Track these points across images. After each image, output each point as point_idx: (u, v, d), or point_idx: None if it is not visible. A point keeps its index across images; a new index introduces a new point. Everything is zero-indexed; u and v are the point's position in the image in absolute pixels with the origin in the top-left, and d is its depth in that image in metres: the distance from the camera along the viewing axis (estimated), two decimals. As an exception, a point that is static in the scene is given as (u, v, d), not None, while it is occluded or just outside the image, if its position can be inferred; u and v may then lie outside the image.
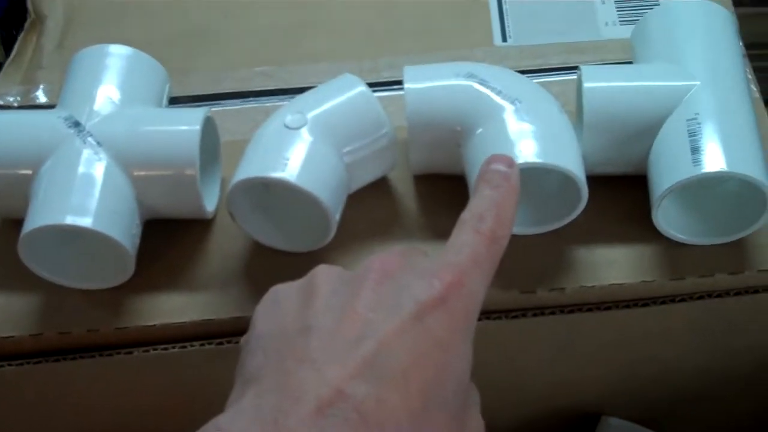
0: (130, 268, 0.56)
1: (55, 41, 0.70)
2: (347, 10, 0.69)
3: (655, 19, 0.60)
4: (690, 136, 0.52)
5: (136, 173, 0.56)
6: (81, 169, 0.55)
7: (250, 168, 0.55)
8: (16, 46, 0.70)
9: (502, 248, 0.43)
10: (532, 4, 0.68)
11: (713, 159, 0.51)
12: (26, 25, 0.72)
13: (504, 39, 0.66)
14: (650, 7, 0.65)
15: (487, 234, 0.43)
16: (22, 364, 0.56)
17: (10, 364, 0.56)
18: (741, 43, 0.63)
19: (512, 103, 0.55)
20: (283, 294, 0.44)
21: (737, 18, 0.63)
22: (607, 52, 0.64)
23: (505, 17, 0.67)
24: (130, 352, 0.56)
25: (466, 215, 0.44)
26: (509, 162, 0.47)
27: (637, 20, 0.62)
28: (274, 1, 0.71)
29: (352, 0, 0.70)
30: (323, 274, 0.44)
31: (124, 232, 0.55)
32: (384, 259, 0.43)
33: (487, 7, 0.68)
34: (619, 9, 0.67)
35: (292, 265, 0.57)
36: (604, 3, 0.67)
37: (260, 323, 0.43)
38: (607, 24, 0.66)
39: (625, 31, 0.64)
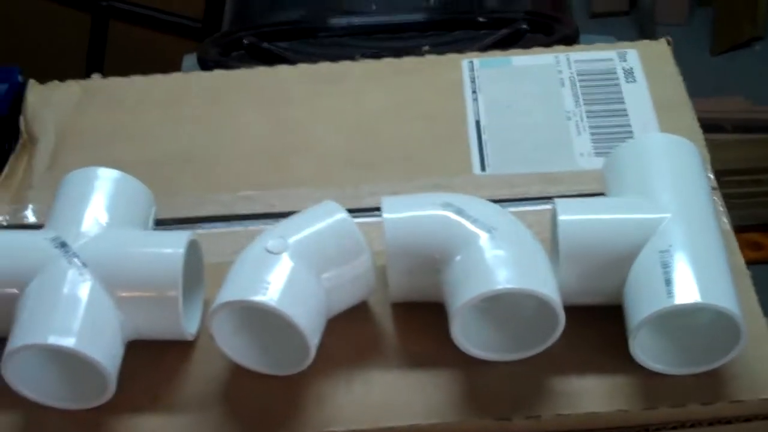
0: (111, 389, 0.56)
1: (46, 162, 0.71)
2: (330, 137, 0.72)
3: (625, 153, 0.62)
4: (663, 268, 0.54)
5: (120, 294, 0.57)
6: (66, 290, 0.57)
7: (231, 291, 0.56)
8: (7, 166, 0.71)
9: None
10: (511, 134, 0.70)
11: (686, 290, 0.53)
12: (17, 146, 0.73)
13: (483, 168, 0.68)
14: (623, 137, 0.67)
15: None
16: (-1, 484, 0.57)
17: (-13, 484, 0.57)
18: (711, 176, 0.65)
19: (488, 231, 0.57)
20: None
21: (720, 145, 0.66)
22: (582, 183, 0.66)
23: (484, 146, 0.69)
24: (108, 473, 0.56)
25: None
26: None
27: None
28: (259, 124, 0.73)
29: (335, 127, 0.72)
30: None
31: (106, 353, 0.56)
32: None
33: (467, 136, 0.70)
34: (594, 141, 0.69)
35: (272, 388, 0.58)
36: (579, 134, 0.69)
37: None
38: (582, 155, 0.68)
39: (599, 162, 0.66)
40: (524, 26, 1.09)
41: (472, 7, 1.17)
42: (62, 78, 0.78)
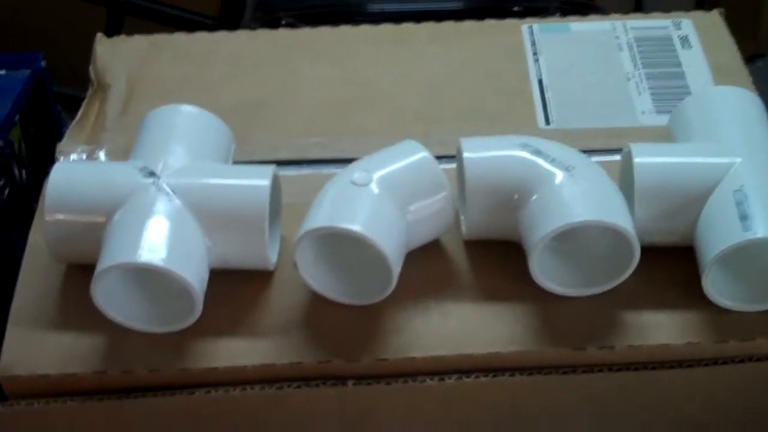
0: (198, 310, 0.58)
1: (118, 108, 0.73)
2: (397, 90, 0.74)
3: (692, 105, 0.65)
4: (738, 206, 0.56)
5: (207, 222, 0.59)
6: (155, 214, 0.58)
7: (319, 219, 0.58)
8: (80, 112, 0.73)
9: None
10: (573, 93, 0.72)
11: (762, 225, 0.55)
12: (89, 93, 0.75)
13: (547, 122, 0.70)
14: (682, 97, 0.69)
15: None
16: (84, 401, 0.58)
17: (72, 400, 0.58)
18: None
19: (565, 170, 0.59)
20: None
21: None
22: (644, 137, 0.68)
23: (548, 103, 0.71)
24: (192, 393, 0.58)
25: None
26: None
27: (671, 109, 0.67)
28: (326, 77, 0.75)
29: (402, 82, 0.74)
30: None
31: (194, 274, 0.57)
32: None
33: (531, 93, 0.72)
34: (655, 99, 0.71)
35: (351, 316, 0.60)
36: (640, 94, 0.72)
37: None
38: (644, 112, 0.70)
39: (661, 119, 0.69)
40: (558, 15, 1.11)
41: (506, -4, 1.19)
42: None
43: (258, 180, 0.60)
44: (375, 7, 1.18)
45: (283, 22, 1.15)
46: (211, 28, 1.80)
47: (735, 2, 1.96)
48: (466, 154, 0.61)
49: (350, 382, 0.58)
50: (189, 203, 0.59)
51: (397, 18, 1.16)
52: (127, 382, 0.58)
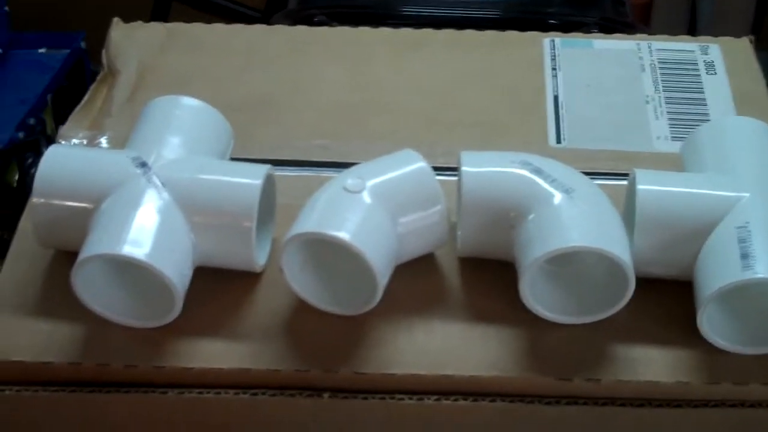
0: (178, 308, 0.57)
1: (125, 94, 0.72)
2: (409, 97, 0.72)
3: (705, 133, 0.62)
4: (740, 243, 0.54)
5: (195, 218, 0.58)
6: (142, 206, 0.57)
7: (307, 224, 0.56)
8: (86, 95, 0.72)
9: None
10: (588, 111, 0.70)
11: (763, 265, 0.52)
12: (98, 77, 0.74)
13: (558, 141, 0.68)
14: (700, 124, 0.67)
15: None
16: (56, 391, 0.57)
17: (45, 390, 0.57)
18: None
19: (565, 191, 0.57)
20: None
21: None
22: (657, 163, 0.66)
23: (561, 121, 0.69)
24: (165, 392, 0.57)
25: None
26: None
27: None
28: (338, 79, 0.74)
29: (415, 89, 0.73)
30: None
31: (177, 271, 0.56)
32: None
33: (545, 109, 0.71)
34: (672, 125, 0.69)
35: (334, 325, 0.58)
36: (657, 119, 0.69)
37: None
38: (659, 138, 0.68)
39: (675, 146, 0.66)
40: (595, 30, 1.09)
41: (546, 9, 1.17)
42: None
43: (250, 179, 0.59)
44: (410, 11, 1.16)
45: (315, 20, 1.14)
46: (257, 20, 1.81)
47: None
48: (464, 168, 0.59)
49: (326, 395, 0.56)
50: (177, 198, 0.58)
51: (432, 23, 1.14)
52: (101, 376, 0.57)
